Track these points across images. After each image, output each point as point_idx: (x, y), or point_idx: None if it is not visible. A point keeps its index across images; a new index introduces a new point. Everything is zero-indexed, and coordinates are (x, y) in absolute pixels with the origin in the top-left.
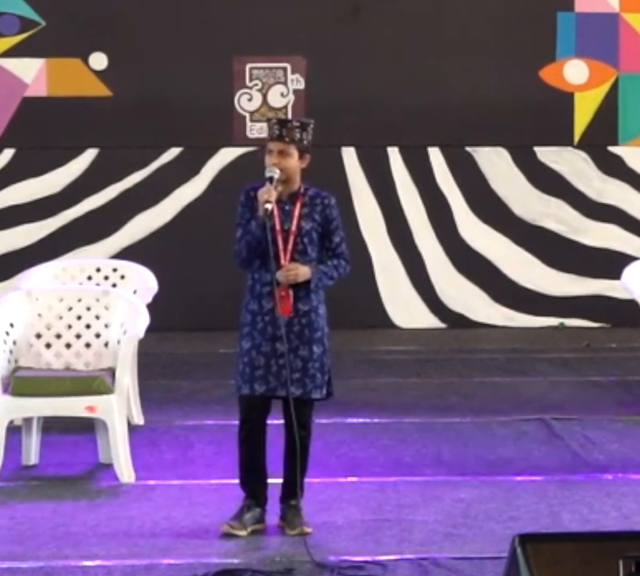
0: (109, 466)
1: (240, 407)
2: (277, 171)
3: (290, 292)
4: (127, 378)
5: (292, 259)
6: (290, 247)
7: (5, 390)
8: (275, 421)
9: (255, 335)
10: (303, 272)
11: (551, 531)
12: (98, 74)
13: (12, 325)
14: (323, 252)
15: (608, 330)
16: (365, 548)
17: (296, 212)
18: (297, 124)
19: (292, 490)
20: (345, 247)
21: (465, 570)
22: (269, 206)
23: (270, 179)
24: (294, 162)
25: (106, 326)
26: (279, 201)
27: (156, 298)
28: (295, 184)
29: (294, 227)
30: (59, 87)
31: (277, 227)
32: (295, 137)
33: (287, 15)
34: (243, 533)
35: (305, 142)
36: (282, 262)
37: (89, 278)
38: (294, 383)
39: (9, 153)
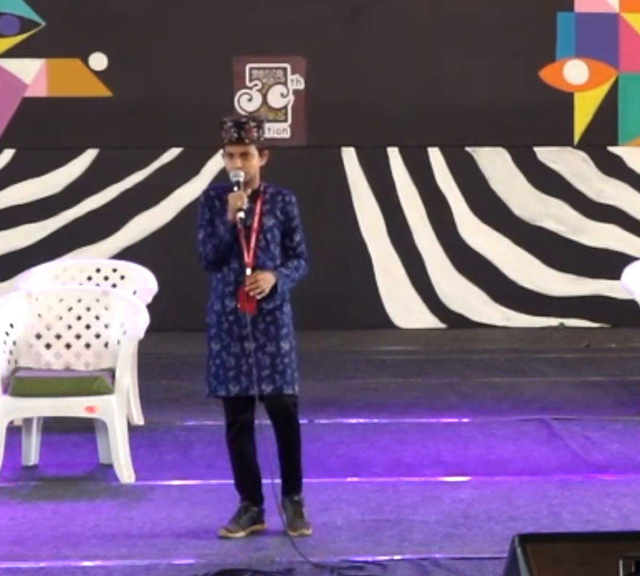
0: (109, 467)
1: (225, 410)
2: (242, 174)
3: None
4: (127, 379)
5: (255, 256)
6: (252, 244)
7: (5, 391)
8: (267, 421)
9: (223, 336)
10: (268, 279)
11: (551, 531)
12: (98, 74)
13: (12, 326)
14: (284, 252)
15: (608, 330)
16: (365, 548)
17: (257, 209)
18: (254, 123)
19: (292, 485)
20: (304, 246)
21: (465, 570)
22: (242, 214)
23: (237, 184)
24: (256, 161)
25: (106, 326)
26: (243, 212)
27: (156, 298)
28: (256, 182)
29: (256, 224)
30: (59, 87)
31: (239, 225)
32: (253, 137)
33: (287, 15)
34: (241, 534)
35: (262, 139)
36: (246, 259)
37: (89, 278)
38: (265, 380)
39: (9, 153)
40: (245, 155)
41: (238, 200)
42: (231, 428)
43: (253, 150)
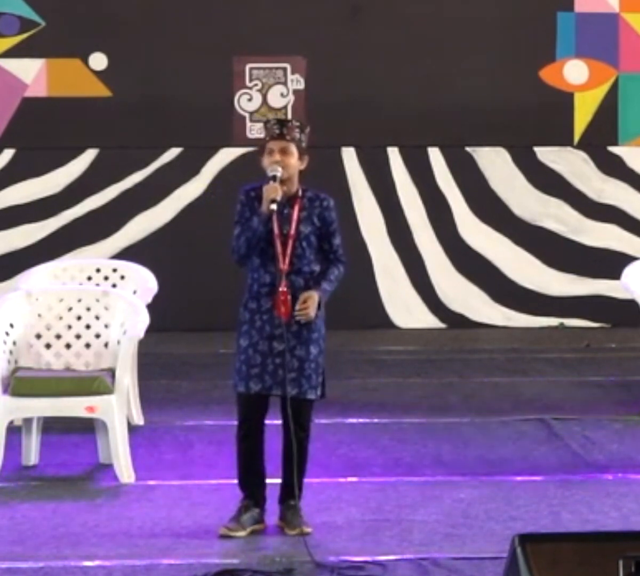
0: (109, 467)
1: (238, 407)
2: (280, 169)
3: (289, 297)
4: (127, 379)
5: (291, 263)
6: (289, 251)
7: (5, 390)
8: (274, 421)
9: (253, 334)
10: (315, 300)
11: (551, 531)
12: (98, 74)
13: (12, 326)
14: (321, 254)
15: (608, 330)
16: (365, 548)
17: (295, 216)
18: (297, 123)
19: (291, 491)
20: (342, 249)
21: (465, 570)
22: (274, 206)
23: (274, 178)
24: (295, 161)
25: (106, 326)
26: (277, 204)
27: (156, 298)
28: (294, 186)
29: (292, 231)
30: (59, 87)
31: (276, 231)
32: (295, 136)
33: (287, 15)
34: (242, 534)
35: (303, 144)
36: (281, 265)
37: (89, 278)
38: (290, 383)
39: (9, 153)
40: (284, 152)
41: (272, 191)
42: (243, 426)
43: (292, 148)
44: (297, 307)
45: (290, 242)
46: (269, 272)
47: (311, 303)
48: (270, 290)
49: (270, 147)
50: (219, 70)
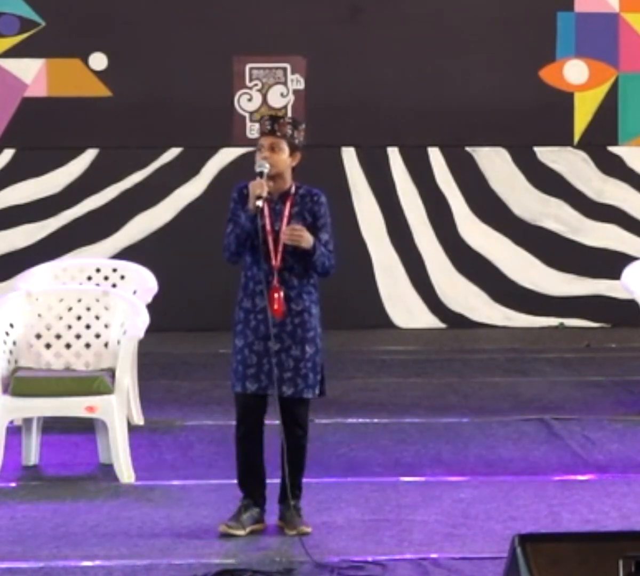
0: (109, 467)
1: (236, 407)
2: (267, 165)
3: (282, 294)
4: (127, 379)
5: (283, 259)
6: (280, 247)
7: (5, 390)
8: (274, 421)
9: (248, 333)
10: (307, 238)
11: (551, 531)
12: (98, 74)
13: (12, 326)
14: None
15: (608, 330)
16: (365, 548)
17: (286, 212)
18: (289, 120)
19: (291, 492)
20: (332, 246)
21: (465, 570)
22: (260, 203)
23: (260, 174)
24: (285, 157)
25: (106, 326)
26: (269, 201)
27: (156, 298)
28: (286, 183)
29: (283, 227)
30: (59, 87)
31: (268, 227)
32: (286, 132)
33: (287, 15)
34: (241, 532)
35: (296, 141)
36: (273, 262)
37: (89, 278)
38: (286, 382)
39: (9, 153)
40: (274, 148)
41: (258, 187)
42: (240, 426)
43: (283, 144)
44: (288, 231)
45: (281, 238)
46: (263, 269)
47: (306, 234)
48: (263, 287)
49: (261, 143)
50: (219, 70)
